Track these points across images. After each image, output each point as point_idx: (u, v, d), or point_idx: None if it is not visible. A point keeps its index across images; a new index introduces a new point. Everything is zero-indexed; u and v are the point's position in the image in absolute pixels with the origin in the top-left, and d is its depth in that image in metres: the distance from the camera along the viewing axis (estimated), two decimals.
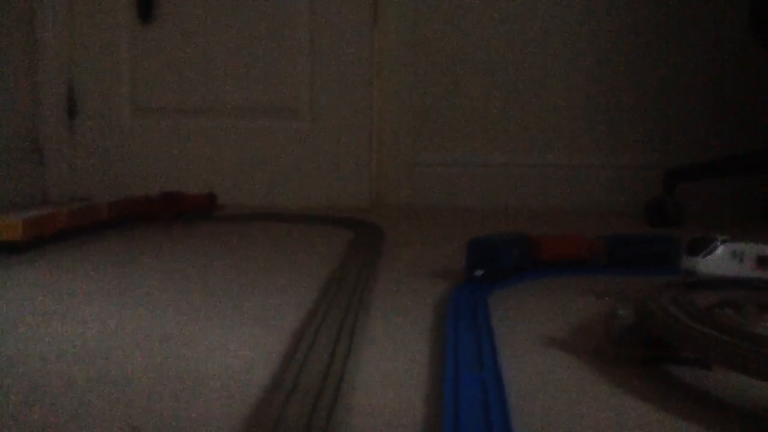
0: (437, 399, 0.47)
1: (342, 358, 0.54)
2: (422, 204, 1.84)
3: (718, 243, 0.70)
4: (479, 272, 0.80)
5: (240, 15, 1.82)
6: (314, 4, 1.80)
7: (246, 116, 1.85)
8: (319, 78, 1.82)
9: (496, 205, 1.81)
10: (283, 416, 0.42)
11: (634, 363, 0.56)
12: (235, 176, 1.85)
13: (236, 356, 0.58)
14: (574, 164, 1.80)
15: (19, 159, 1.80)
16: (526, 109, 1.81)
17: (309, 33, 1.81)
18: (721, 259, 0.71)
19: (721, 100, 1.75)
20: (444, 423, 0.42)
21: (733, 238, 0.70)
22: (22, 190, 1.79)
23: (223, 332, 0.65)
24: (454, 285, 0.81)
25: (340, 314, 0.67)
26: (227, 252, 1.12)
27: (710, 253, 0.70)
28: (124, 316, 0.70)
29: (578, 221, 1.56)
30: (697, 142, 1.75)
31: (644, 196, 1.67)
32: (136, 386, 0.50)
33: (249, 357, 0.57)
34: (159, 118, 1.89)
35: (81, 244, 1.15)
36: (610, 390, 0.51)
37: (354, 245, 1.15)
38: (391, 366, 0.56)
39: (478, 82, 1.82)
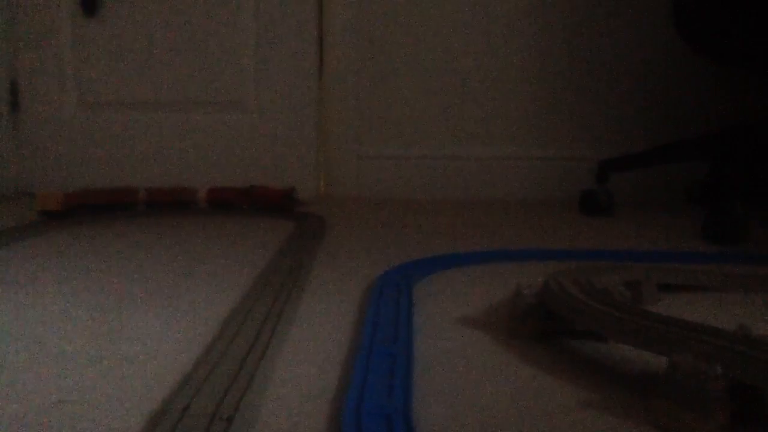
0: (351, 371, 0.52)
1: (266, 338, 0.58)
2: (368, 195, 1.89)
3: None
4: None
5: (185, 8, 1.84)
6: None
7: (192, 109, 1.87)
8: (265, 71, 1.85)
9: (439, 196, 1.87)
10: (200, 391, 0.46)
11: (535, 336, 0.61)
12: (181, 169, 1.87)
13: (168, 340, 0.61)
14: (512, 156, 1.87)
15: None
16: (466, 103, 1.87)
17: (254, 26, 1.84)
18: None
19: (651, 96, 1.83)
20: (351, 387, 0.46)
21: None
22: None
23: (158, 319, 0.68)
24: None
25: (270, 299, 0.71)
26: (174, 243, 1.14)
27: None
28: (69, 302, 0.73)
29: (515, 210, 1.62)
30: (630, 134, 1.83)
31: (579, 186, 1.75)
32: (67, 366, 0.54)
33: (180, 340, 0.61)
34: (105, 111, 1.89)
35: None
36: (509, 359, 0.56)
37: (295, 236, 1.19)
38: (313, 344, 0.60)
39: (421, 77, 1.87)
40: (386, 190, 1.89)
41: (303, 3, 1.82)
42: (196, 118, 1.87)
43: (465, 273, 0.91)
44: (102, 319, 0.67)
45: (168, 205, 1.52)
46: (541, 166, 1.86)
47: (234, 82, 1.86)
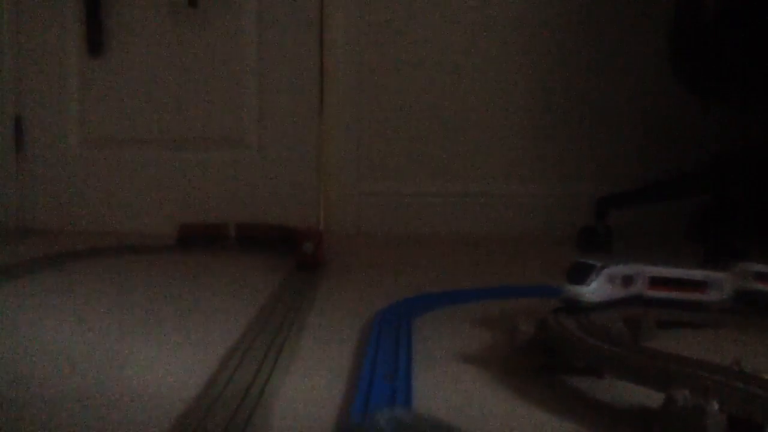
0: (351, 406, 0.52)
1: (267, 372, 0.58)
2: (367, 231, 1.90)
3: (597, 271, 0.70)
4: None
5: (189, 48, 1.87)
6: (262, 37, 1.86)
7: (194, 147, 1.89)
8: (267, 110, 1.87)
9: (437, 232, 1.88)
10: (203, 423, 0.46)
11: (533, 372, 0.61)
12: (184, 206, 1.88)
13: (170, 373, 0.62)
14: (511, 193, 1.88)
15: None
16: (464, 141, 1.89)
17: (256, 66, 1.87)
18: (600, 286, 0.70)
19: (648, 132, 1.86)
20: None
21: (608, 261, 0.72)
22: None
23: (162, 352, 0.69)
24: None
25: (271, 334, 0.72)
26: (180, 279, 1.15)
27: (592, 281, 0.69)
28: (78, 336, 0.73)
29: (514, 247, 1.63)
30: (627, 171, 1.85)
31: (577, 222, 1.76)
32: (72, 400, 0.54)
33: (182, 374, 0.61)
34: (109, 149, 1.91)
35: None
36: (507, 395, 0.56)
37: (295, 271, 1.19)
38: (313, 380, 0.61)
39: (419, 116, 1.89)
40: (385, 226, 1.90)
41: (304, 43, 1.85)
42: (199, 155, 1.89)
43: (464, 309, 0.91)
44: (107, 349, 0.68)
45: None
46: (540, 202, 1.87)
47: (236, 121, 1.88)
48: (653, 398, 0.49)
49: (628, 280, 0.74)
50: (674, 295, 0.77)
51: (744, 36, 1.35)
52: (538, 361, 0.62)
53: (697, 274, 0.78)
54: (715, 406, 0.43)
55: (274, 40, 1.86)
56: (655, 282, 0.76)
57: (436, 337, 0.76)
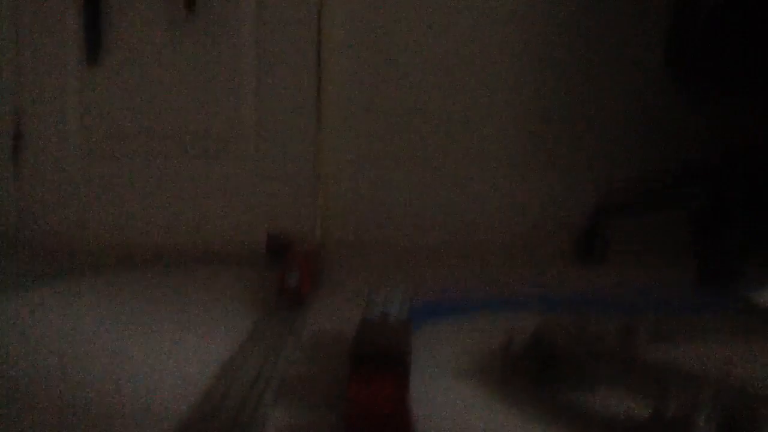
0: None
1: (268, 372, 0.59)
2: (364, 240, 1.90)
3: None
4: None
5: (186, 57, 1.87)
6: (260, 44, 1.86)
7: (194, 156, 1.89)
8: (264, 121, 1.87)
9: (436, 240, 1.87)
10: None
11: (525, 384, 0.62)
12: (183, 216, 1.88)
13: (169, 380, 0.62)
14: (509, 194, 1.87)
15: None
16: (465, 146, 1.88)
17: (255, 75, 1.87)
18: None
19: (645, 130, 1.83)
20: None
21: None
22: None
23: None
24: None
25: (270, 341, 0.72)
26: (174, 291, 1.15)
27: None
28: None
29: (510, 249, 1.63)
30: (625, 169, 1.82)
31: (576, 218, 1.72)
32: (73, 404, 0.54)
33: (181, 381, 0.62)
34: (108, 159, 1.91)
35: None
36: (499, 407, 0.57)
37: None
38: (311, 390, 0.61)
39: (417, 123, 1.89)
40: (382, 234, 1.90)
41: (302, 52, 1.85)
42: (198, 163, 1.89)
43: (459, 320, 0.91)
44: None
45: None
46: (539, 198, 1.85)
47: (235, 132, 1.88)
48: (643, 410, 0.50)
49: None
50: None
51: (742, 32, 1.33)
52: (531, 372, 0.62)
53: None
54: (702, 419, 0.44)
55: (272, 45, 1.85)
56: None
57: (430, 349, 0.76)
